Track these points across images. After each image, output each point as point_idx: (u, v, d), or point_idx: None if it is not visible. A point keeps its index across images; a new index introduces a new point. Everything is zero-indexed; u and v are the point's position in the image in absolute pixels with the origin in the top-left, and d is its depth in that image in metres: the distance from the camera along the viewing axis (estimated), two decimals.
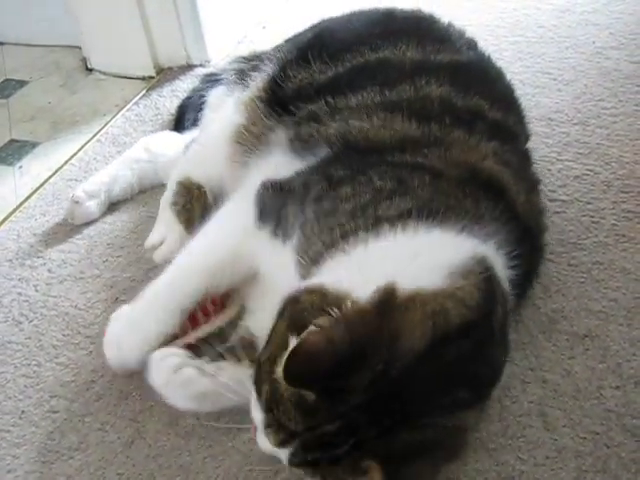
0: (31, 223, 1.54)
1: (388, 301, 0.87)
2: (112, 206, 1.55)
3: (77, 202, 1.49)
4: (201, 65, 1.97)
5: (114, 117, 1.83)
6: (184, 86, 1.89)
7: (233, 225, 1.18)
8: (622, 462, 1.04)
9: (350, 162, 1.11)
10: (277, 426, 0.88)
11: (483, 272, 0.96)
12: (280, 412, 0.86)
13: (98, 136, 1.77)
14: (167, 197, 1.45)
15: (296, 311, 0.90)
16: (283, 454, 0.89)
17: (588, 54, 1.85)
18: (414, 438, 0.86)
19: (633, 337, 1.20)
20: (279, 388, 0.86)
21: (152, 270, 1.38)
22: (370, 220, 0.99)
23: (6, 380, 1.24)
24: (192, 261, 1.19)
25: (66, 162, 1.69)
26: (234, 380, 1.07)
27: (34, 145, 1.79)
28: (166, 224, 1.42)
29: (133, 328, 1.16)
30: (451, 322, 0.89)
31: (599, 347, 1.18)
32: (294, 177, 1.15)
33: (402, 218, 0.98)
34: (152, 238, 1.43)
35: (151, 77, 1.97)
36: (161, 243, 1.41)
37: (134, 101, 1.88)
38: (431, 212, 0.98)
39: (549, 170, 1.51)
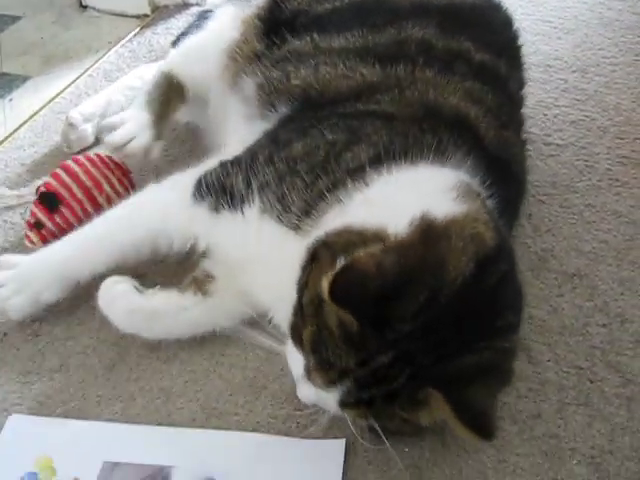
0: (19, 153, 1.51)
1: (428, 230, 0.87)
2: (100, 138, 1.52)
3: (71, 124, 1.46)
4: (197, 4, 1.93)
5: (107, 53, 1.80)
6: (179, 24, 1.86)
7: (163, 199, 1.16)
8: (604, 396, 1.04)
9: (302, 120, 1.12)
10: (326, 366, 0.86)
11: (479, 195, 0.98)
12: (329, 350, 0.85)
13: (90, 71, 1.74)
14: (144, 90, 1.43)
15: (334, 251, 0.88)
16: (333, 397, 0.88)
17: (590, 4, 1.83)
18: (472, 361, 0.85)
19: (622, 277, 1.19)
20: (327, 323, 0.85)
21: None
22: (344, 171, 1.00)
23: None
24: (106, 231, 1.16)
25: (57, 95, 1.67)
26: (166, 305, 1.09)
27: (25, 79, 1.76)
28: (136, 120, 1.37)
29: (23, 287, 1.14)
30: (487, 245, 0.89)
31: (587, 286, 1.18)
32: (242, 151, 1.13)
33: (374, 163, 0.98)
34: (118, 135, 1.34)
35: (146, 15, 1.93)
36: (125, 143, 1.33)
37: (128, 38, 1.84)
38: (395, 153, 0.99)
39: (545, 115, 1.50)
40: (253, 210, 1.05)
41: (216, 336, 1.13)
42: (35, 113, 1.61)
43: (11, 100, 1.70)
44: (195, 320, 1.11)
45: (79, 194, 1.26)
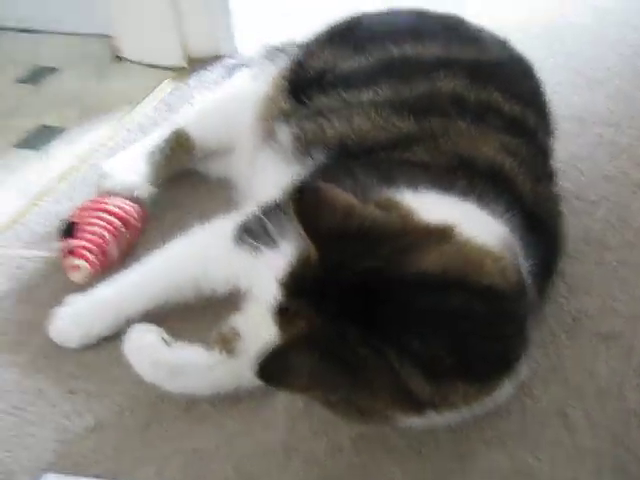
0: (57, 207, 1.55)
1: (437, 232, 0.88)
2: None
3: (104, 175, 1.50)
4: (230, 56, 1.97)
5: (142, 106, 1.84)
6: (212, 76, 1.90)
7: (205, 244, 1.22)
8: None
9: (338, 168, 1.15)
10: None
11: (516, 252, 0.98)
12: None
13: (126, 124, 1.78)
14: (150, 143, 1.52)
15: None
16: None
17: (624, 55, 1.83)
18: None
19: None
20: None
21: None
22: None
23: (25, 360, 1.25)
24: (154, 273, 1.24)
25: (93, 148, 1.70)
26: (191, 362, 1.11)
27: (62, 131, 1.80)
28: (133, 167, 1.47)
29: (78, 320, 1.23)
30: (478, 278, 0.87)
31: (623, 347, 1.17)
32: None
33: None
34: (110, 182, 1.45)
35: (181, 67, 1.98)
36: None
37: (163, 91, 1.89)
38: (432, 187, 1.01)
39: (578, 169, 1.49)
40: (288, 249, 1.06)
41: (248, 395, 1.13)
42: (71, 167, 1.65)
43: (48, 153, 1.74)
44: (218, 380, 1.11)
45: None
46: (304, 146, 1.23)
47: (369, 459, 1.04)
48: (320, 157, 1.20)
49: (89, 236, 1.34)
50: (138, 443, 1.10)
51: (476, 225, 0.94)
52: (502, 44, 1.37)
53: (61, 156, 1.72)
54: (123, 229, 1.38)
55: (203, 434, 1.10)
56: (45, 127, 1.83)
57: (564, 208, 1.37)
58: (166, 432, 1.11)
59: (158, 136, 1.55)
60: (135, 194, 1.44)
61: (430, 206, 0.94)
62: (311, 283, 0.89)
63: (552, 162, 1.33)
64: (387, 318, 0.85)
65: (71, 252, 1.34)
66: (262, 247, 1.12)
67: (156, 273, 1.24)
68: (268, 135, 1.33)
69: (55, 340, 1.23)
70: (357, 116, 1.20)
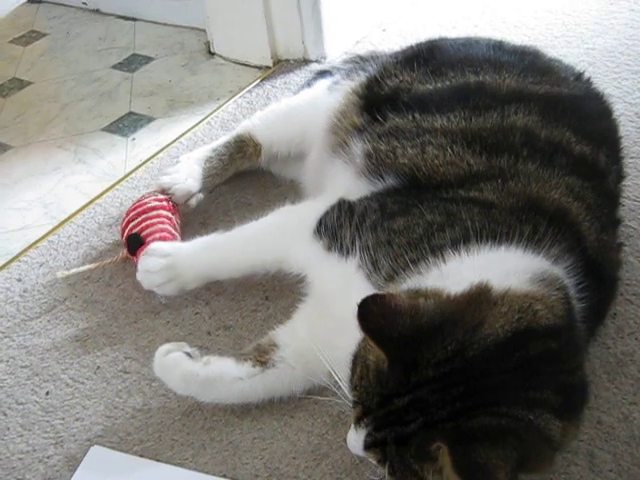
0: (134, 193, 1.63)
1: (480, 295, 0.92)
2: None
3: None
4: (317, 61, 2.02)
5: (227, 102, 1.91)
6: (297, 80, 1.95)
7: (292, 228, 1.28)
8: None
9: (408, 196, 1.18)
10: (357, 403, 0.93)
11: (562, 287, 0.99)
12: (363, 387, 0.91)
13: (209, 119, 1.85)
14: (209, 147, 1.59)
15: None
16: (360, 437, 0.92)
17: None
18: (488, 423, 0.86)
19: None
20: (367, 360, 0.91)
21: None
22: (430, 248, 1.04)
23: (87, 336, 1.34)
24: (243, 245, 1.32)
25: (175, 140, 1.78)
26: (220, 375, 1.14)
27: (149, 120, 1.90)
28: (186, 170, 1.53)
29: (174, 277, 1.31)
30: (538, 322, 0.92)
31: None
32: (356, 203, 1.22)
33: (457, 243, 1.03)
34: (166, 179, 1.51)
35: (267, 67, 2.04)
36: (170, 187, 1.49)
37: (248, 89, 1.95)
38: (483, 236, 1.03)
39: None
40: (353, 262, 1.13)
41: (288, 398, 1.18)
42: (153, 156, 1.73)
43: (134, 139, 1.83)
44: (249, 391, 1.15)
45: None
46: (375, 166, 1.26)
47: None
48: (391, 181, 1.23)
49: (159, 235, 1.39)
50: (179, 428, 1.17)
51: (504, 271, 0.97)
52: (578, 78, 1.36)
53: (146, 144, 1.82)
54: (175, 217, 1.46)
55: (241, 428, 1.16)
56: (134, 114, 1.93)
57: (627, 248, 1.38)
58: (206, 421, 1.17)
59: (222, 140, 1.61)
60: (187, 200, 1.50)
61: (462, 273, 0.98)
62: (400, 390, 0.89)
63: (620, 206, 1.33)
64: (494, 389, 0.87)
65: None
66: (334, 249, 1.18)
67: (246, 246, 1.32)
68: (339, 147, 1.36)
69: (142, 282, 1.32)
70: (430, 146, 1.21)
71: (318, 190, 1.42)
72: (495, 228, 1.04)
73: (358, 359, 0.95)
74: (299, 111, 1.56)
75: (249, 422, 1.17)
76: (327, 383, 1.07)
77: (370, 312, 0.89)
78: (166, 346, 1.17)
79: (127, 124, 1.90)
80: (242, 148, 1.57)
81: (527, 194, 1.11)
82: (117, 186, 1.67)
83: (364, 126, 1.34)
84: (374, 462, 0.94)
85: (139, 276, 1.32)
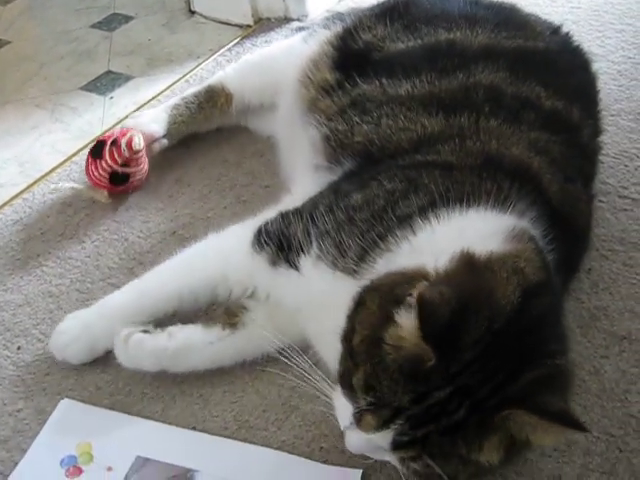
0: None
1: (471, 262, 0.90)
2: (186, 144, 1.60)
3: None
4: (298, 19, 1.99)
5: (206, 60, 1.88)
6: (278, 38, 1.92)
7: (225, 247, 1.20)
8: (632, 468, 1.02)
9: (363, 173, 1.15)
10: (378, 406, 0.86)
11: (531, 239, 0.99)
12: (384, 388, 0.86)
13: (187, 77, 1.83)
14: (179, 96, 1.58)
15: (383, 293, 0.92)
16: (385, 438, 0.88)
17: None
18: (532, 376, 0.86)
19: None
20: (385, 361, 0.86)
21: (214, 209, 1.45)
22: (396, 220, 1.02)
23: (61, 292, 1.32)
24: (165, 280, 1.21)
25: (153, 98, 1.76)
26: (190, 342, 1.12)
27: (128, 78, 1.88)
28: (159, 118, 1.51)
29: (82, 334, 1.17)
30: (529, 279, 0.92)
31: (636, 351, 1.15)
32: (303, 202, 1.17)
33: (424, 212, 1.00)
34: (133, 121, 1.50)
35: (248, 26, 2.01)
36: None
37: (228, 47, 1.93)
38: (449, 200, 1.00)
39: (626, 166, 1.46)
40: (308, 261, 1.09)
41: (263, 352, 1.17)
42: (129, 114, 1.71)
43: (112, 98, 1.81)
44: (221, 354, 1.15)
45: None
46: (333, 149, 1.23)
47: None
48: (347, 164, 1.20)
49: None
50: (149, 381, 1.16)
51: (480, 235, 0.96)
52: (555, 32, 1.34)
53: (123, 102, 1.79)
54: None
55: (211, 382, 1.16)
56: (112, 73, 1.91)
57: (604, 205, 1.37)
58: (177, 375, 1.16)
59: (193, 89, 1.59)
60: (149, 144, 1.48)
61: (436, 243, 0.96)
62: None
63: (596, 160, 1.32)
64: (523, 351, 0.88)
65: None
66: (280, 260, 1.12)
67: (170, 281, 1.20)
68: (308, 111, 1.33)
69: (57, 356, 1.18)
70: (385, 118, 1.19)
71: (290, 153, 1.40)
72: (459, 190, 1.03)
73: (359, 367, 0.89)
74: (272, 60, 1.54)
75: (220, 376, 1.16)
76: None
77: (429, 324, 0.81)
78: (122, 334, 1.12)
79: (105, 83, 1.87)
80: (212, 97, 1.55)
81: (486, 152, 1.10)
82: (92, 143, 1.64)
83: (333, 88, 1.31)
84: (399, 462, 0.92)
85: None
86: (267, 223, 1.17)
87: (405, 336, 0.85)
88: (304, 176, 1.27)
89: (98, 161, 1.44)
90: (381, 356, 0.87)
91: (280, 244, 1.12)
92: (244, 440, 1.08)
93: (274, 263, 1.13)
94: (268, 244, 1.14)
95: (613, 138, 1.49)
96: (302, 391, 1.12)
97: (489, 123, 1.13)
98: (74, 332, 1.18)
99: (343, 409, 0.93)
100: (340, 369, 0.94)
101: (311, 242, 1.09)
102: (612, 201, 1.38)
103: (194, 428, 1.10)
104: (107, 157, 1.43)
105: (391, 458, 0.93)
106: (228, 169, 1.54)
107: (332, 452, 1.05)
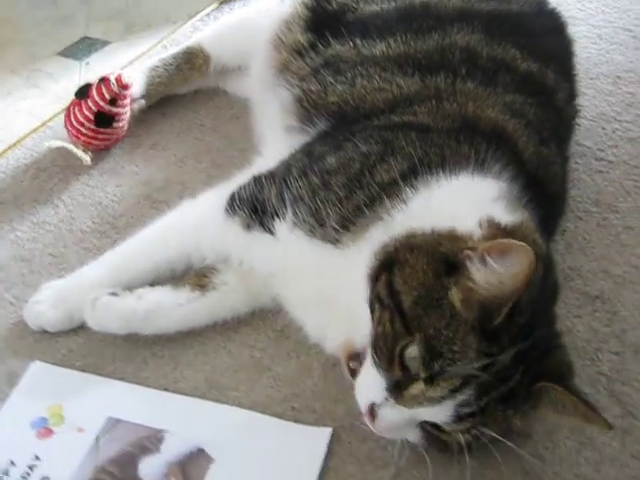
0: None
1: (502, 232, 0.89)
2: (163, 108, 1.58)
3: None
4: None
5: (183, 25, 1.86)
6: (256, 2, 1.89)
7: (198, 215, 1.19)
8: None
9: (337, 134, 1.12)
10: (443, 376, 0.83)
11: (525, 205, 1.00)
12: (455, 354, 0.83)
13: (165, 41, 1.80)
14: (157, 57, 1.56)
15: (427, 252, 0.90)
16: (441, 412, 0.85)
17: None
18: (561, 357, 0.91)
19: None
20: (455, 322, 0.84)
21: (189, 173, 1.44)
22: (378, 187, 1.00)
23: (34, 256, 1.31)
24: (140, 250, 1.20)
25: (129, 63, 1.74)
26: (158, 304, 1.11)
27: (105, 44, 1.85)
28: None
29: (58, 302, 1.16)
30: (543, 250, 0.93)
31: (608, 311, 1.16)
32: (276, 165, 1.15)
33: (408, 178, 0.99)
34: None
35: None
36: None
37: (206, 12, 1.90)
38: (432, 165, 0.99)
39: (603, 129, 1.46)
40: (283, 226, 1.07)
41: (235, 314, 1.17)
42: None
43: (87, 64, 1.78)
44: (192, 316, 1.14)
45: None
46: (306, 110, 1.21)
47: (333, 383, 1.07)
48: (321, 125, 1.19)
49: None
50: (121, 344, 1.15)
51: (481, 201, 0.96)
52: None
53: (100, 68, 1.76)
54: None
55: (183, 343, 1.15)
56: (89, 38, 1.88)
57: (580, 167, 1.36)
58: (148, 336, 1.15)
59: (172, 51, 1.58)
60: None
61: (447, 208, 0.96)
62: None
63: (573, 123, 1.31)
64: (551, 320, 0.95)
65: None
66: (254, 224, 1.10)
67: (144, 250, 1.20)
68: (279, 74, 1.32)
69: (32, 325, 1.17)
70: (359, 78, 1.17)
71: (263, 115, 1.38)
72: (439, 154, 1.01)
73: (412, 332, 0.86)
74: (249, 21, 1.54)
75: (192, 337, 1.16)
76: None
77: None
78: (89, 297, 1.11)
79: (82, 48, 1.84)
80: (191, 59, 1.54)
81: (463, 114, 1.09)
82: None
83: (306, 49, 1.30)
84: (420, 436, 0.91)
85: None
86: (240, 188, 1.15)
87: (480, 289, 0.84)
88: (276, 138, 1.26)
89: (84, 102, 1.43)
90: (449, 317, 0.84)
91: (254, 208, 1.11)
92: (215, 400, 1.07)
93: (248, 227, 1.12)
94: (241, 209, 1.12)
95: (591, 101, 1.48)
96: (274, 352, 1.13)
97: (466, 85, 1.12)
98: (50, 302, 1.17)
99: (371, 383, 0.90)
100: (376, 337, 0.90)
101: (286, 207, 1.07)
102: (588, 163, 1.38)
103: (165, 389, 1.10)
104: (95, 94, 1.42)
105: (415, 435, 0.92)
106: (204, 133, 1.53)
107: (303, 412, 1.05)
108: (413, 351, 0.85)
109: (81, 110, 1.43)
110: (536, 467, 0.97)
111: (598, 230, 1.27)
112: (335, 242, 1.02)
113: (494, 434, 0.86)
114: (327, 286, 1.03)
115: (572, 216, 1.28)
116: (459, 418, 0.85)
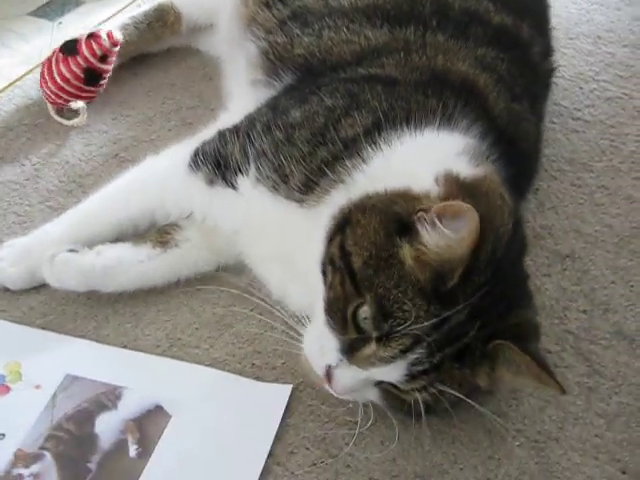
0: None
1: (462, 187, 0.86)
2: (134, 67, 1.55)
3: None
4: None
5: None
6: None
7: (161, 171, 1.16)
8: (566, 383, 1.00)
9: (303, 87, 1.10)
10: (395, 335, 0.81)
11: (490, 161, 0.97)
12: (405, 313, 0.81)
13: (139, 0, 1.76)
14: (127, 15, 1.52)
15: (380, 211, 0.87)
16: (394, 371, 0.83)
17: None
18: (523, 318, 0.88)
19: (617, 265, 1.14)
20: (405, 282, 0.82)
21: (158, 132, 1.41)
22: (341, 145, 0.97)
23: None
24: (103, 206, 1.17)
25: (101, 23, 1.70)
26: (117, 260, 1.09)
27: (78, 4, 1.81)
28: None
29: (20, 259, 1.13)
30: (510, 204, 0.89)
31: (578, 269, 1.14)
32: (241, 119, 1.12)
33: (371, 135, 0.96)
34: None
35: None
36: None
37: None
38: (397, 120, 0.97)
39: (581, 88, 1.43)
40: (246, 182, 1.05)
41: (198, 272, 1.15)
42: None
43: (60, 23, 1.74)
44: (152, 273, 1.11)
45: None
46: (272, 63, 1.19)
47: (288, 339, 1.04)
48: (287, 79, 1.16)
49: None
50: (83, 301, 1.13)
51: (446, 152, 0.94)
52: None
53: (72, 28, 1.72)
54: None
55: (145, 301, 1.13)
56: None
57: (556, 126, 1.34)
58: (110, 295, 1.13)
59: (142, 8, 1.55)
60: None
61: (407, 166, 0.92)
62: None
63: (549, 80, 1.28)
64: (519, 278, 0.93)
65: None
66: (217, 179, 1.08)
67: (107, 206, 1.16)
68: (246, 24, 1.29)
69: None
70: (327, 29, 1.14)
71: (230, 71, 1.36)
72: (404, 109, 0.99)
73: (362, 295, 0.84)
74: None
75: (155, 295, 1.14)
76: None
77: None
78: (47, 253, 1.08)
79: (55, 8, 1.80)
80: (162, 16, 1.51)
81: (432, 67, 1.06)
82: (38, 69, 1.58)
83: (273, 1, 1.26)
84: (379, 395, 0.90)
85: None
86: (204, 143, 1.13)
87: (430, 252, 0.81)
88: (242, 93, 1.23)
89: (72, 58, 1.39)
90: (399, 277, 0.82)
91: (217, 163, 1.09)
92: (175, 358, 1.06)
93: (211, 182, 1.09)
94: (205, 164, 1.10)
95: (570, 61, 1.45)
96: (237, 310, 1.11)
97: (436, 37, 1.09)
98: (11, 259, 1.14)
99: (326, 345, 0.88)
100: (329, 300, 0.88)
101: (249, 163, 1.05)
102: (564, 123, 1.35)
103: (125, 346, 1.08)
104: (85, 50, 1.38)
105: (375, 395, 0.90)
106: (175, 92, 1.50)
107: (264, 369, 1.03)
108: (364, 312, 0.84)
109: (68, 66, 1.39)
110: (499, 425, 0.95)
111: (572, 189, 1.24)
112: (299, 202, 0.99)
113: (454, 392, 0.84)
114: (289, 245, 1.02)
115: (546, 175, 1.26)
116: (412, 377, 0.84)
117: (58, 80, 1.40)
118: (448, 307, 0.81)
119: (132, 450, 0.96)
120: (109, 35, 1.38)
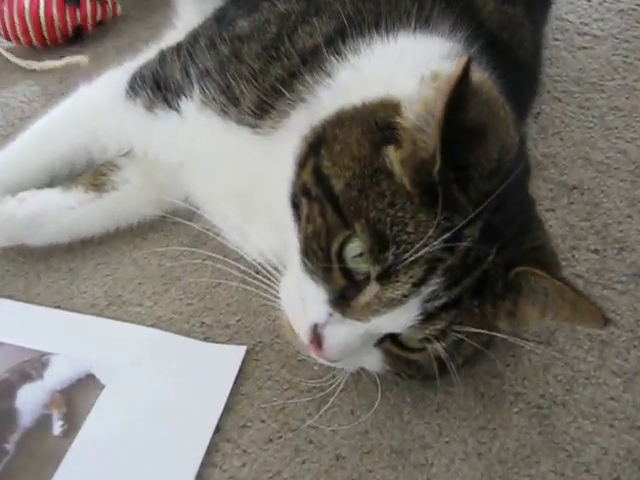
0: None
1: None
2: None
3: None
4: None
5: None
6: None
7: (94, 101, 1.01)
8: (574, 336, 0.87)
9: None
10: (398, 269, 0.65)
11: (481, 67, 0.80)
12: (406, 236, 0.64)
13: None
14: None
15: (360, 122, 0.71)
16: (404, 315, 0.66)
17: None
18: (540, 242, 0.72)
19: (634, 197, 0.98)
20: (400, 197, 0.65)
21: (109, 66, 1.21)
22: (299, 57, 0.82)
23: None
24: (35, 143, 1.01)
25: None
26: (44, 208, 0.94)
27: None
28: None
29: None
30: (512, 116, 0.73)
31: (588, 202, 0.97)
32: (184, 37, 0.97)
33: (334, 41, 0.81)
34: None
35: None
36: None
37: None
38: (364, 24, 0.81)
39: (588, 1, 1.24)
40: (190, 105, 0.90)
41: (138, 227, 0.99)
42: None
43: None
44: (86, 221, 0.96)
45: None
46: None
47: (246, 293, 0.90)
48: None
49: None
50: (14, 257, 0.99)
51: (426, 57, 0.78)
52: None
53: None
54: None
55: (83, 254, 0.98)
56: None
57: (560, 43, 1.16)
58: (43, 249, 0.98)
59: None
60: None
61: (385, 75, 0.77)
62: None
63: None
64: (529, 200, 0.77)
65: None
66: (158, 102, 0.93)
67: (39, 143, 1.02)
68: None
69: None
70: None
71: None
72: (375, 11, 0.83)
73: (364, 212, 0.66)
74: None
75: (94, 246, 0.99)
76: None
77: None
78: None
79: None
80: None
81: None
82: None
83: None
84: (383, 357, 0.72)
85: None
86: (143, 66, 0.97)
87: (411, 131, 0.67)
88: (189, 6, 1.06)
89: (70, 7, 1.28)
90: (392, 192, 0.66)
91: (157, 86, 0.93)
92: (114, 318, 0.91)
93: (150, 107, 0.94)
94: (143, 88, 0.95)
95: None
96: (186, 261, 0.95)
97: None
98: None
99: (308, 298, 0.71)
100: (306, 237, 0.71)
101: (192, 84, 0.89)
102: (570, 39, 1.18)
103: (58, 306, 0.93)
104: (88, 8, 1.29)
105: (374, 360, 0.73)
106: (129, 24, 1.34)
107: (215, 328, 0.88)
108: (356, 246, 0.66)
109: (62, 12, 1.28)
110: (493, 388, 0.80)
111: (579, 112, 1.07)
112: (253, 127, 0.84)
113: (474, 341, 0.68)
114: (244, 179, 0.86)
115: (548, 97, 1.09)
116: (429, 317, 0.66)
117: (41, 17, 1.27)
118: (457, 217, 0.64)
119: (57, 427, 0.81)
120: (114, 5, 1.32)
